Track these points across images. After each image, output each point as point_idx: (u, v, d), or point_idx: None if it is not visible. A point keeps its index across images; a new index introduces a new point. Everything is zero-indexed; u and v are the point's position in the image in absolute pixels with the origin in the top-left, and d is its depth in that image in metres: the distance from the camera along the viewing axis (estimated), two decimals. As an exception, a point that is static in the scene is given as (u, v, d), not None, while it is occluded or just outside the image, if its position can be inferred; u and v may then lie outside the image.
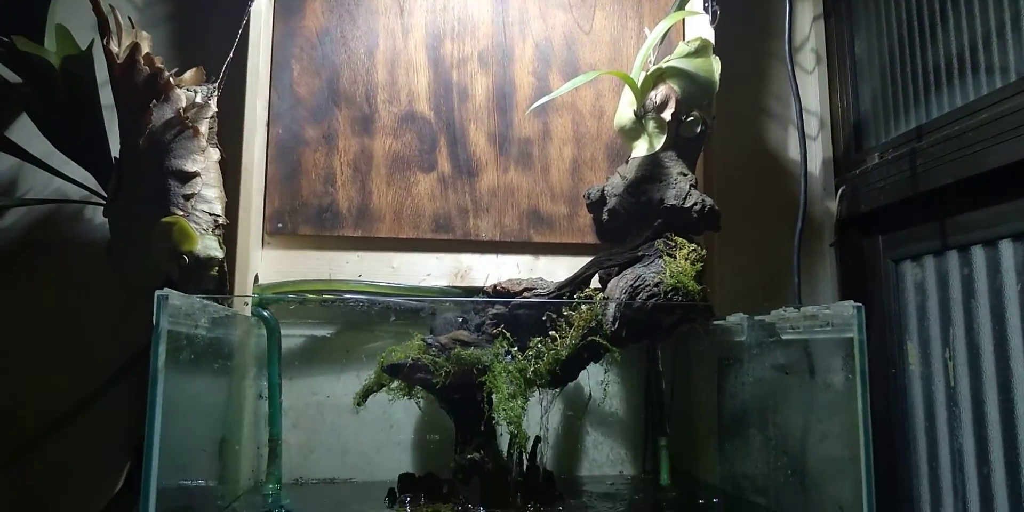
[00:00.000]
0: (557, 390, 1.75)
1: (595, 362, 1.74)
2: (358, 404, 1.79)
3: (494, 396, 1.62)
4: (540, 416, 1.75)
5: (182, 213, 1.56)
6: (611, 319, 1.66)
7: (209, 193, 1.69)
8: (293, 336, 2.05)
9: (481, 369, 1.68)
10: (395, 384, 1.79)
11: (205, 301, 1.41)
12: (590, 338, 1.64)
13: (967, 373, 1.77)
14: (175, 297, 1.20)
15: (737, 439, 1.84)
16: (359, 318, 2.06)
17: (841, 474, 1.39)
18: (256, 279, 1.97)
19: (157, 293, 1.16)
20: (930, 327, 1.91)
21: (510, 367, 1.68)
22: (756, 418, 1.75)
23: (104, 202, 1.85)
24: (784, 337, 1.59)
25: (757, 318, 1.67)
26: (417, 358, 1.71)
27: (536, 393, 1.73)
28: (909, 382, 1.97)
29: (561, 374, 1.69)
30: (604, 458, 2.13)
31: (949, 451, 1.82)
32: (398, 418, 2.04)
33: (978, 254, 1.77)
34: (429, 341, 1.75)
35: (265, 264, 2.04)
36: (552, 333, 1.72)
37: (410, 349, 1.74)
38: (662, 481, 1.99)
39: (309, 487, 1.95)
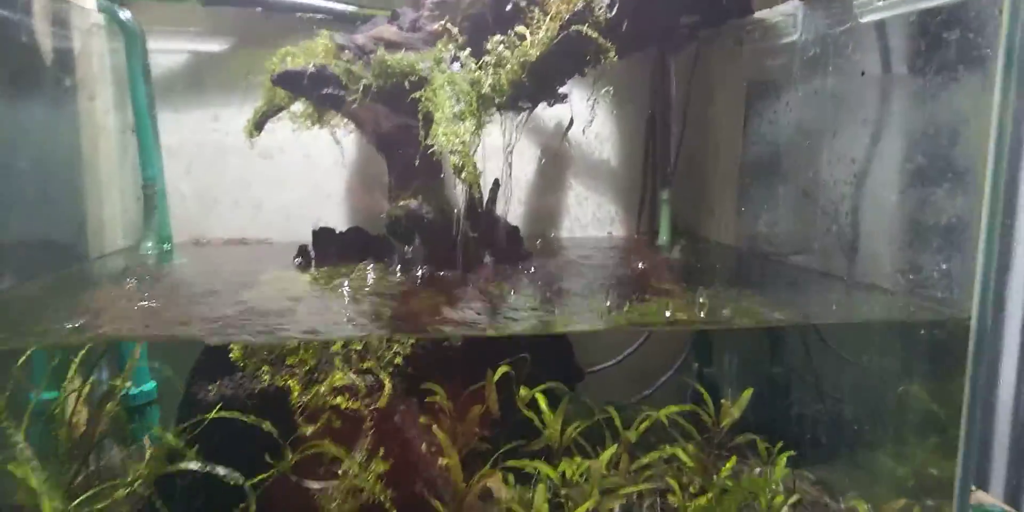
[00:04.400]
0: (525, 112, 1.24)
1: (580, 74, 1.21)
2: (251, 134, 1.30)
3: (435, 117, 1.12)
4: (503, 150, 1.27)
5: None
6: (608, 1, 1.11)
7: None
8: (170, 52, 1.50)
9: (416, 82, 1.16)
10: (300, 107, 1.29)
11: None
12: (574, 28, 1.10)
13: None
14: None
15: (764, 187, 1.39)
16: (260, 27, 1.49)
17: (941, 216, 0.94)
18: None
19: None
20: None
21: (457, 78, 1.16)
22: (796, 157, 1.28)
23: None
24: (865, 19, 1.05)
25: (825, -2, 1.11)
26: (322, 66, 1.17)
27: (496, 117, 1.23)
28: None
29: (530, 85, 1.17)
30: (589, 216, 1.70)
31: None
32: (325, 164, 1.57)
33: None
34: (341, 41, 1.21)
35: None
36: (519, 28, 1.17)
37: (312, 52, 1.21)
38: (660, 241, 1.58)
39: (211, 249, 1.52)
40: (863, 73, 1.07)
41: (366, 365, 0.93)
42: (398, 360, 0.94)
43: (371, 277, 1.12)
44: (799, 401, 1.25)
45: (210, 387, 0.92)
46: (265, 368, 0.93)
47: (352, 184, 1.61)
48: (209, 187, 1.56)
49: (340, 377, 0.91)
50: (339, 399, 0.90)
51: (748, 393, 1.09)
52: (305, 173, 1.59)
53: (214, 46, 1.53)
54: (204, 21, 1.51)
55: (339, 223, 1.58)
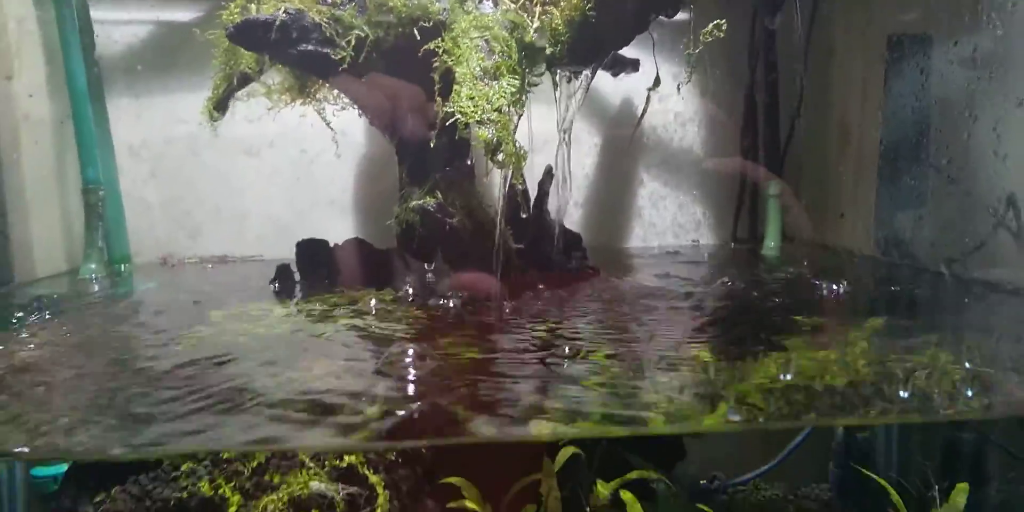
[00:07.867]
0: (589, 70, 0.87)
1: (666, 15, 0.84)
2: (211, 116, 0.96)
3: (456, 74, 0.76)
4: (556, 126, 0.90)
5: None
6: None
7: None
8: (129, 22, 1.18)
9: (430, 28, 0.81)
10: (276, 79, 0.94)
11: None
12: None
13: None
14: None
15: (918, 176, 0.99)
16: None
17: None
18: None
19: None
20: None
21: (488, 21, 0.80)
22: (964, 130, 0.88)
23: None
24: None
25: None
26: (298, 12, 0.83)
27: (548, 80, 0.87)
28: None
29: (597, 30, 0.80)
30: (668, 220, 1.32)
31: None
32: (327, 159, 1.22)
33: None
34: (324, -23, 0.86)
35: None
36: (577, -55, 0.81)
37: (284, -6, 0.86)
38: (767, 250, 1.19)
39: (179, 271, 1.18)
40: None
41: (347, 461, 0.57)
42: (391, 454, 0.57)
43: (366, 312, 0.76)
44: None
45: (96, 498, 0.57)
46: (186, 466, 0.57)
47: (363, 184, 1.26)
48: (181, 194, 1.24)
49: (302, 483, 0.55)
50: (299, 522, 0.54)
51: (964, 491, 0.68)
52: (302, 172, 1.25)
53: (186, 14, 1.20)
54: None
55: (346, 235, 1.23)
